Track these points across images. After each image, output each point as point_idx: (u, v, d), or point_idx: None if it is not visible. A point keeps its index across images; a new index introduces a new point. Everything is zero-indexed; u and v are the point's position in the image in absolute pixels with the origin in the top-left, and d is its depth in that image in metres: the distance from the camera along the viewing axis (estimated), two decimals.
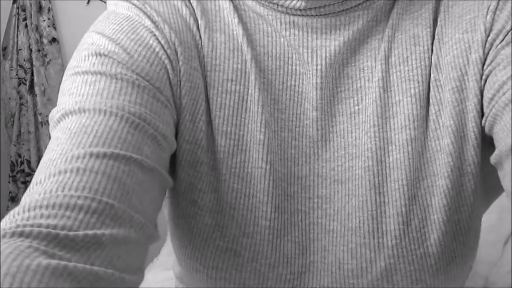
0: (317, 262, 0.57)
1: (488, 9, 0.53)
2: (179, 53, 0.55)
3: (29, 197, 0.43)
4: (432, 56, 0.56)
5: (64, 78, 0.54)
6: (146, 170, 0.48)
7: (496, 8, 0.53)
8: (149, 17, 0.56)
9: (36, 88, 2.15)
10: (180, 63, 0.55)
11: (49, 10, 2.14)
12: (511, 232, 1.25)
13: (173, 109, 0.54)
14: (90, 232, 0.41)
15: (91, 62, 0.52)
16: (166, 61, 0.54)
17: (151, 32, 0.55)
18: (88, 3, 2.11)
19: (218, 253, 0.56)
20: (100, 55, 0.53)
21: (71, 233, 0.40)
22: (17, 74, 2.15)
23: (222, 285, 0.57)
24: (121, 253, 0.43)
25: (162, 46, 0.54)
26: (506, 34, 0.52)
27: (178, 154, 0.56)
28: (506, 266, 1.17)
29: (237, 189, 0.56)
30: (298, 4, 0.54)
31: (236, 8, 0.58)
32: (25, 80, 2.16)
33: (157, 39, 0.55)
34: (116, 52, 0.53)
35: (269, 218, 0.55)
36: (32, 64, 2.14)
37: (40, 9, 2.14)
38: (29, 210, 0.41)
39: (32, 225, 0.40)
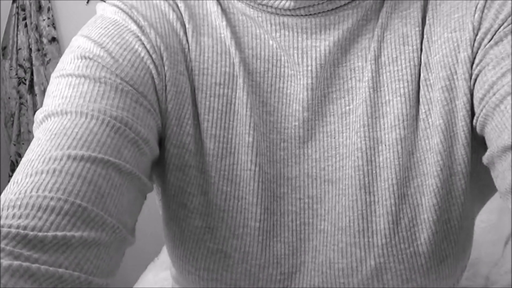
0: (308, 262, 0.57)
1: (476, 8, 0.53)
2: (164, 58, 0.55)
3: (4, 196, 0.44)
4: (422, 55, 0.56)
5: (50, 80, 0.55)
6: (124, 174, 0.48)
7: (484, 6, 0.53)
8: (135, 21, 0.56)
9: (36, 88, 2.15)
10: (166, 68, 0.55)
11: (48, 9, 2.13)
12: (511, 232, 1.25)
13: (157, 114, 0.54)
14: (59, 233, 0.41)
15: (76, 65, 0.53)
16: (151, 66, 0.55)
17: (137, 37, 0.55)
18: (87, 2, 2.11)
19: (209, 254, 0.56)
20: (85, 58, 0.53)
21: (40, 233, 0.40)
22: (16, 74, 2.15)
23: (214, 286, 0.57)
24: (90, 256, 0.43)
25: (148, 51, 0.55)
26: (494, 33, 0.52)
27: (166, 158, 0.56)
28: (506, 266, 1.16)
29: (226, 191, 0.56)
30: (287, 4, 0.54)
31: (224, 12, 0.58)
32: (25, 80, 2.16)
33: (142, 44, 0.55)
34: (101, 56, 0.53)
35: (258, 219, 0.56)
36: (31, 64, 2.14)
37: (39, 8, 2.13)
38: (2, 210, 0.42)
39: (2, 226, 0.40)
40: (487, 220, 1.21)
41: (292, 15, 0.56)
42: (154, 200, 0.66)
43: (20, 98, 2.17)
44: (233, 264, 0.56)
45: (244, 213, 0.56)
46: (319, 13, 0.55)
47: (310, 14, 0.55)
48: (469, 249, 0.60)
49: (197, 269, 0.57)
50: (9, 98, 2.18)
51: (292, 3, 0.54)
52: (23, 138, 2.19)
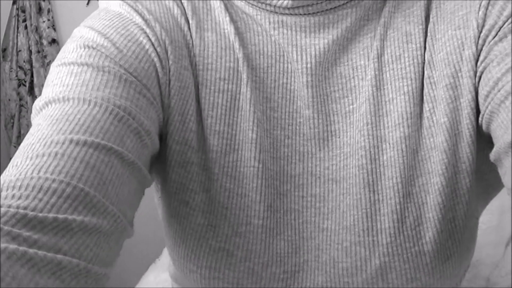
0: (311, 261, 0.56)
1: (480, 5, 0.53)
2: (169, 52, 0.55)
3: (3, 178, 0.42)
4: (425, 53, 0.56)
5: (50, 70, 0.54)
6: (126, 163, 0.48)
7: (488, 4, 0.53)
8: (140, 15, 0.56)
9: (36, 90, 2.15)
10: (170, 62, 0.55)
11: (48, 11, 2.13)
12: None
13: (159, 107, 0.54)
14: (60, 216, 0.40)
15: (78, 53, 0.52)
16: (156, 59, 0.54)
17: (142, 29, 0.55)
18: (88, 4, 2.11)
19: (211, 252, 0.56)
20: (88, 47, 0.52)
21: (40, 214, 0.39)
22: (17, 76, 2.15)
23: (216, 285, 0.57)
24: (90, 243, 0.41)
25: (152, 44, 0.54)
26: (499, 30, 0.51)
27: (168, 155, 0.56)
28: (507, 268, 1.16)
29: (229, 188, 0.56)
30: (285, 3, 0.54)
31: (226, 7, 0.58)
32: (25, 82, 2.16)
33: (147, 36, 0.55)
34: (105, 45, 0.52)
35: (261, 217, 0.55)
36: (32, 66, 2.14)
37: (39, 10, 2.13)
38: (1, 191, 0.40)
39: (1, 205, 0.38)
40: (488, 221, 1.21)
41: (291, 13, 0.56)
42: (154, 201, 0.65)
43: (20, 100, 2.17)
44: (235, 263, 0.56)
45: (247, 211, 0.55)
46: (317, 12, 0.55)
47: (309, 13, 0.55)
48: (473, 249, 0.60)
49: (199, 267, 0.57)
50: (9, 100, 2.17)
51: (290, 2, 0.54)
52: (23, 140, 2.19)
